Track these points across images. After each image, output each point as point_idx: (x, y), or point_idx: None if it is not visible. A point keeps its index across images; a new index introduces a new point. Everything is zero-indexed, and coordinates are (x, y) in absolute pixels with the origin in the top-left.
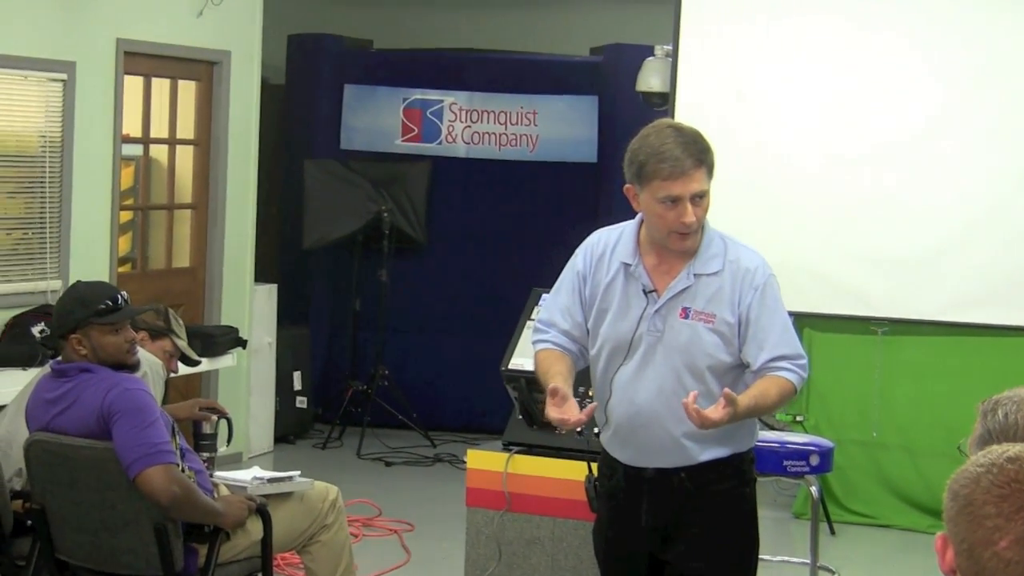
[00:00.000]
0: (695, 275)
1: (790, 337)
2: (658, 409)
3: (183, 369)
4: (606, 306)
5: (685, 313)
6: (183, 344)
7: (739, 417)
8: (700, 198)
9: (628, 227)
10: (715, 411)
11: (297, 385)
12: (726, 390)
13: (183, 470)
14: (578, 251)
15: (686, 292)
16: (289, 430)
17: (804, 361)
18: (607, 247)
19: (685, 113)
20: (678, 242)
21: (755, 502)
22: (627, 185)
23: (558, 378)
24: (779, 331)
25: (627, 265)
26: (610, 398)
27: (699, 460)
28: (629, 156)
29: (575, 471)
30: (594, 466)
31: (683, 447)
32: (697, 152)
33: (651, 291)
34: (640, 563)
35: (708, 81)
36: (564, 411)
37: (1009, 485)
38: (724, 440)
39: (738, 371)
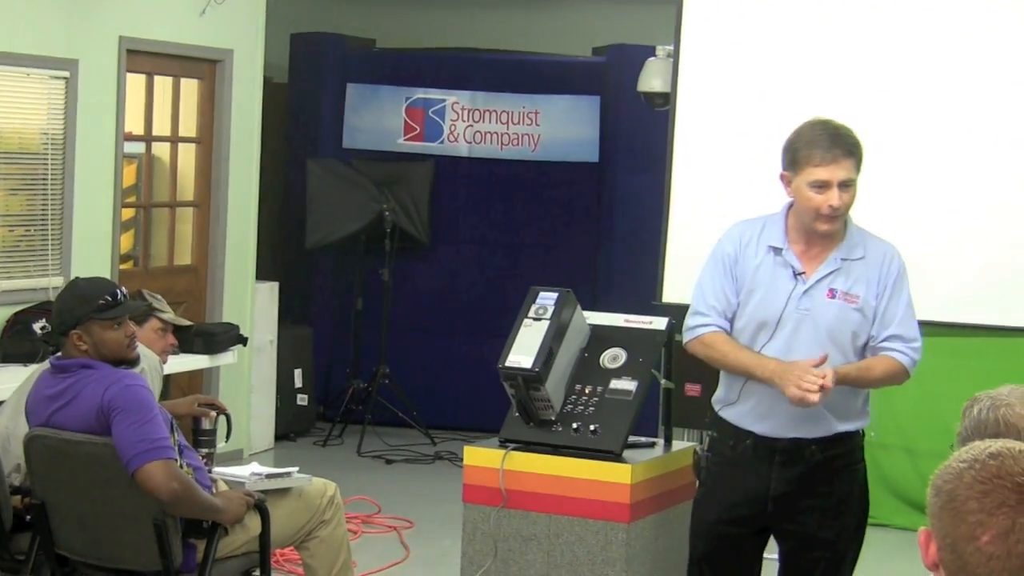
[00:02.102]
0: (842, 260)
1: (909, 320)
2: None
3: (185, 366)
4: (754, 287)
5: (832, 294)
6: (169, 316)
7: (837, 384)
8: (847, 186)
9: (772, 217)
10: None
11: (298, 383)
12: (822, 362)
13: (182, 466)
14: (722, 240)
15: (834, 275)
16: (290, 428)
17: (918, 344)
18: (752, 235)
19: (687, 114)
20: (824, 224)
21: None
22: (782, 172)
23: (757, 356)
24: (901, 313)
25: (776, 249)
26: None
27: (835, 431)
28: (785, 146)
29: (571, 468)
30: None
31: (824, 418)
32: (846, 144)
33: (800, 273)
34: (753, 529)
35: (710, 81)
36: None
37: (991, 480)
38: (856, 414)
39: None
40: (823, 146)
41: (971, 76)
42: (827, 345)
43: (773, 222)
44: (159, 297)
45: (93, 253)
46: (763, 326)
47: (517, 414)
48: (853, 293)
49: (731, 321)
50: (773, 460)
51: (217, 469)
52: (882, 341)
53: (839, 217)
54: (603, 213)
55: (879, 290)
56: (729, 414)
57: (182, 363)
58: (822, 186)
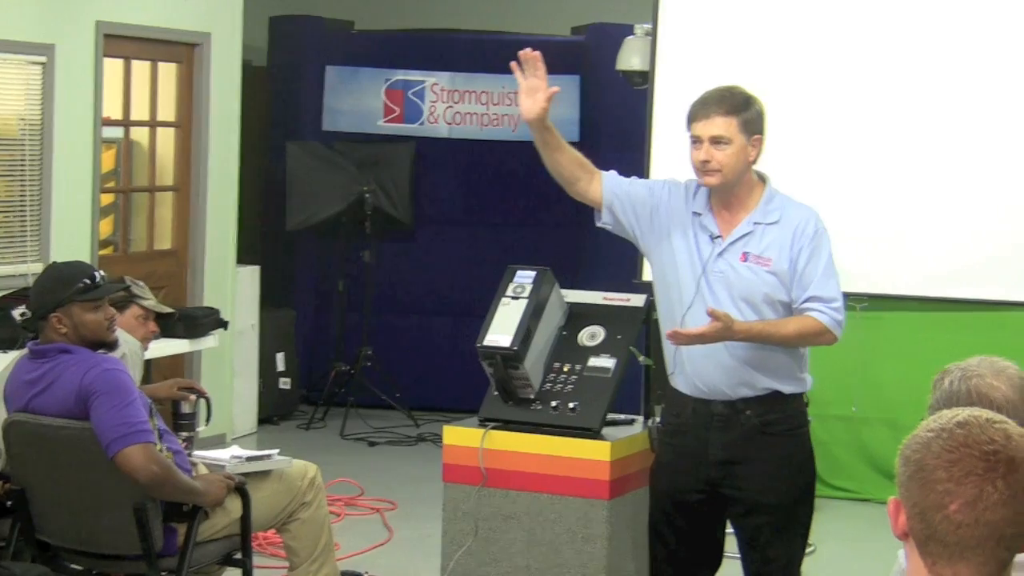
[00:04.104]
0: (755, 223)
1: (828, 282)
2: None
3: (167, 350)
4: (674, 249)
5: (745, 257)
6: (151, 303)
7: (738, 337)
8: (719, 142)
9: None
10: (698, 328)
11: (281, 366)
12: (710, 307)
13: (161, 450)
14: (672, 181)
15: (746, 238)
16: (273, 411)
17: (838, 304)
18: (689, 195)
19: (665, 92)
20: (703, 178)
21: (811, 442)
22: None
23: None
24: (820, 276)
25: (697, 214)
26: None
27: (767, 388)
28: None
29: (550, 446)
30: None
31: (750, 375)
32: (725, 103)
33: (717, 237)
34: (701, 495)
35: (688, 59)
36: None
37: (959, 449)
38: (788, 375)
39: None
40: (699, 104)
41: (951, 54)
42: (742, 307)
43: (702, 189)
44: (141, 284)
45: (72, 239)
46: (684, 290)
47: (496, 393)
48: (765, 256)
49: (613, 191)
50: (712, 425)
51: (197, 452)
52: (802, 303)
53: (715, 172)
54: None
55: (793, 254)
56: (674, 381)
57: (163, 347)
58: (695, 141)
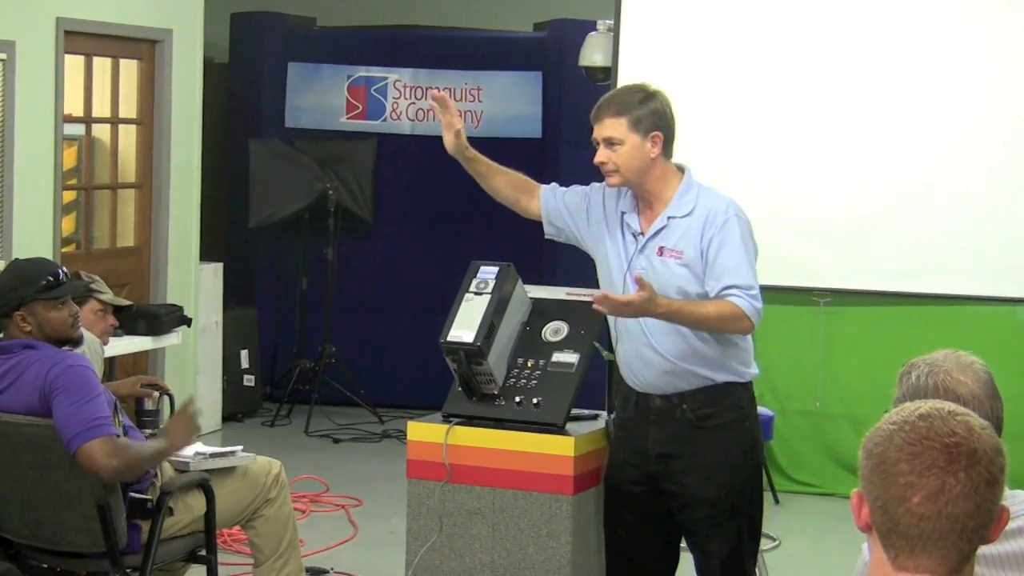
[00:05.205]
0: (669, 217)
1: (743, 270)
2: (645, 334)
3: (129, 347)
4: (607, 250)
5: (661, 251)
6: (108, 296)
7: (659, 310)
8: (613, 144)
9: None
10: (626, 295)
11: (244, 364)
12: (637, 274)
13: None
14: (600, 186)
15: (662, 233)
16: (237, 408)
17: (755, 291)
18: (621, 196)
19: None
20: (605, 179)
21: (757, 434)
22: None
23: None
24: (732, 264)
25: (624, 213)
26: (619, 336)
27: (693, 378)
28: None
29: (514, 441)
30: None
31: (673, 364)
32: (614, 104)
33: (638, 234)
34: (644, 488)
35: (650, 55)
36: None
37: (921, 442)
38: (713, 364)
39: None
40: (595, 108)
41: (909, 52)
42: None
43: (627, 191)
44: (97, 278)
45: (34, 236)
46: (615, 285)
47: (460, 389)
48: (678, 249)
49: (550, 204)
50: (650, 420)
51: None
52: (720, 292)
53: (613, 173)
54: None
55: (704, 244)
56: (622, 373)
57: (126, 345)
58: (595, 144)
